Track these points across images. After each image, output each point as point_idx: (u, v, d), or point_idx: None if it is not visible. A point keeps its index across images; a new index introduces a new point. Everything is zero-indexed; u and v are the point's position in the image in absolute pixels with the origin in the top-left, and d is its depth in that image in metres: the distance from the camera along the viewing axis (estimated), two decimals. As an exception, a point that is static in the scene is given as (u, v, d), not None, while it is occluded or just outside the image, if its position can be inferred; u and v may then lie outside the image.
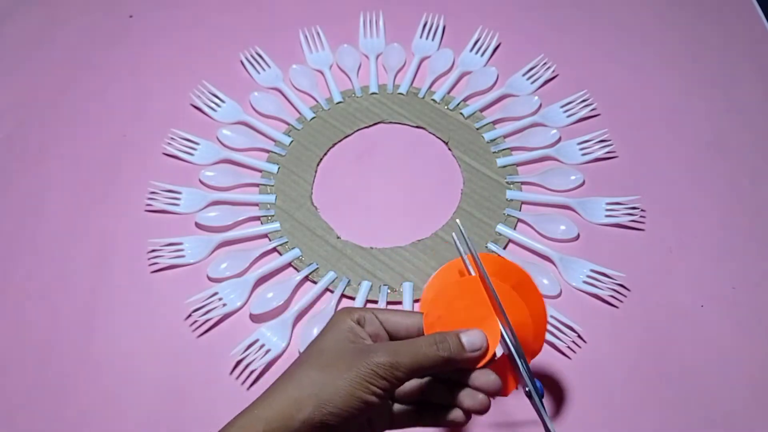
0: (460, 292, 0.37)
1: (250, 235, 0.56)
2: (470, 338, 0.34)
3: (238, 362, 0.49)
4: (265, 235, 0.56)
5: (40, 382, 0.50)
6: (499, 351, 0.36)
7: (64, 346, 0.51)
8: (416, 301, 0.52)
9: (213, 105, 0.64)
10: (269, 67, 0.67)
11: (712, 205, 0.57)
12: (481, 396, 0.34)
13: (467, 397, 0.35)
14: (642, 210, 0.56)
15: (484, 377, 0.35)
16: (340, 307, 0.52)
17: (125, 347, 0.51)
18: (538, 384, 0.35)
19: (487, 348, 0.35)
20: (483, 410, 0.34)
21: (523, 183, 0.59)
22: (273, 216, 0.57)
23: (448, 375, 0.35)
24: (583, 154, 0.60)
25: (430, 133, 0.62)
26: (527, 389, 0.35)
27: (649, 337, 0.50)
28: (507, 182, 0.59)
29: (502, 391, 0.35)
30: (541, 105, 0.63)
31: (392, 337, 0.36)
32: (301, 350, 0.49)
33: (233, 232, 0.56)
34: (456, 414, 0.35)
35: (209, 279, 0.54)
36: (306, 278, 0.54)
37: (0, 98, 0.67)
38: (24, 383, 0.50)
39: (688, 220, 0.56)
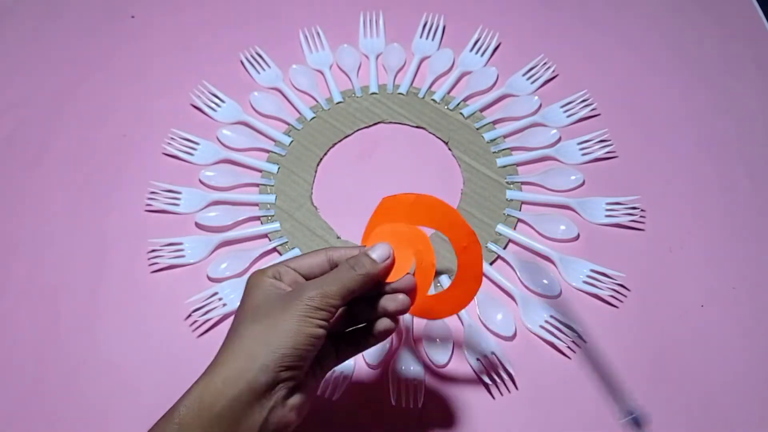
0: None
1: (250, 235, 0.56)
2: (378, 252, 0.38)
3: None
4: (265, 235, 0.56)
5: (40, 382, 0.50)
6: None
7: (64, 346, 0.51)
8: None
9: (213, 105, 0.64)
10: (269, 67, 0.67)
11: (712, 205, 0.57)
12: (400, 296, 0.38)
13: (388, 302, 0.38)
14: (642, 210, 0.56)
15: (395, 283, 0.39)
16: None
17: (125, 347, 0.51)
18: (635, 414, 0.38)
19: (394, 258, 0.39)
20: (404, 309, 0.38)
21: (523, 183, 0.59)
22: (273, 216, 0.57)
23: (368, 294, 0.38)
24: (583, 154, 0.60)
25: (430, 133, 0.62)
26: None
27: (649, 337, 0.50)
28: (507, 182, 0.59)
29: (412, 294, 0.39)
30: (541, 105, 0.63)
31: (307, 278, 0.38)
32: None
33: (233, 232, 0.56)
34: (384, 323, 0.38)
35: (209, 279, 0.54)
36: (306, 278, 0.54)
37: (0, 98, 0.67)
38: (24, 383, 0.50)
39: (688, 220, 0.56)
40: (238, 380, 0.33)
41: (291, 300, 0.35)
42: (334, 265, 0.39)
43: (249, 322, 0.35)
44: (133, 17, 0.73)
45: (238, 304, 0.37)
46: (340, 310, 0.37)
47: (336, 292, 0.35)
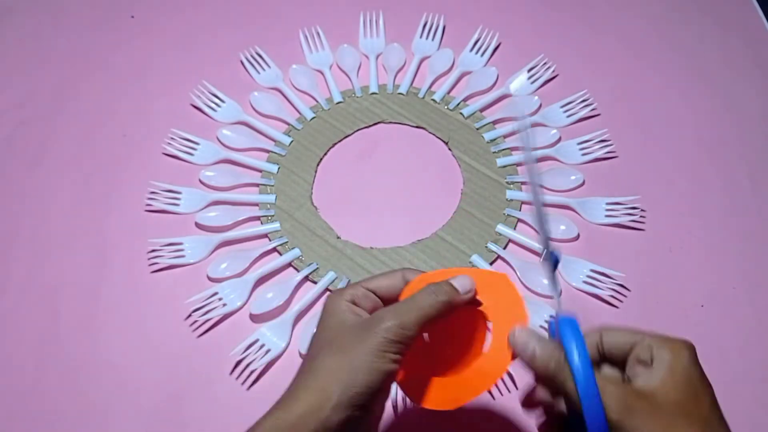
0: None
1: (250, 235, 0.56)
2: (461, 282, 0.36)
3: (238, 362, 0.49)
4: (265, 235, 0.56)
5: (40, 382, 0.50)
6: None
7: (64, 346, 0.51)
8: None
9: (213, 105, 0.64)
10: (269, 67, 0.67)
11: (712, 205, 0.57)
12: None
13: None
14: (642, 210, 0.56)
15: None
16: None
17: (125, 347, 0.51)
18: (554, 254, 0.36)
19: (476, 291, 0.36)
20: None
21: (523, 183, 0.59)
22: (273, 216, 0.57)
23: None
24: (583, 154, 0.60)
25: (430, 133, 0.62)
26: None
27: (649, 337, 0.50)
28: (507, 182, 0.59)
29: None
30: (541, 105, 0.63)
31: (386, 301, 0.37)
32: (302, 350, 0.49)
33: (233, 232, 0.56)
34: None
35: (209, 279, 0.54)
36: (306, 278, 0.54)
37: (0, 98, 0.67)
38: (24, 383, 0.50)
39: (688, 220, 0.56)
40: (311, 418, 0.31)
41: (367, 331, 0.33)
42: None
43: (324, 355, 0.33)
44: (132, 17, 0.73)
45: (315, 329, 0.36)
46: None
47: (413, 321, 0.33)
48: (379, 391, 0.33)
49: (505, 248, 0.55)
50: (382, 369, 0.32)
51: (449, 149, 0.61)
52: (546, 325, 0.50)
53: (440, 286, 0.35)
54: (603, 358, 0.35)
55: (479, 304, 0.37)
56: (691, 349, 0.33)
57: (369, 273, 0.54)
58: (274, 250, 0.55)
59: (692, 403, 0.31)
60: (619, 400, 0.30)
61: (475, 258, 0.54)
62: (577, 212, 0.57)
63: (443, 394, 0.35)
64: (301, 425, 0.31)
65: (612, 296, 0.52)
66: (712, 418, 0.31)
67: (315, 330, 0.36)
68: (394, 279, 0.37)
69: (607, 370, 0.35)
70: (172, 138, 0.62)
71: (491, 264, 0.54)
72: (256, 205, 0.58)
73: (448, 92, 0.65)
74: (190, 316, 0.52)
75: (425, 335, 0.38)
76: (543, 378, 0.34)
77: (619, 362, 0.34)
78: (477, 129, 0.62)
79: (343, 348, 0.33)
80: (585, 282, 0.52)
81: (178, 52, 0.70)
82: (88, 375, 0.50)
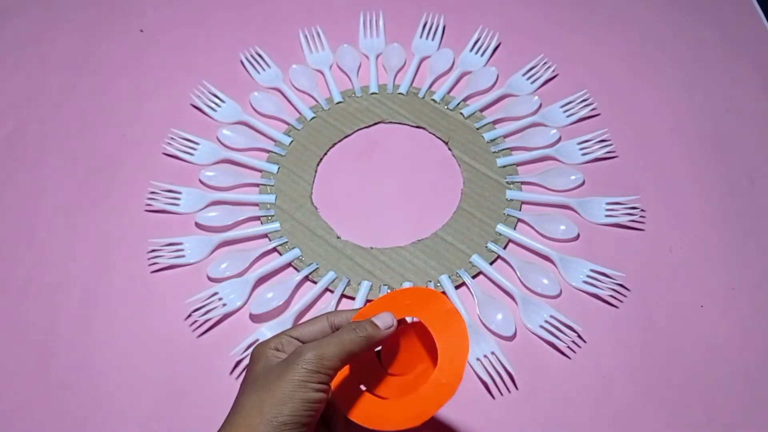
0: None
1: (250, 235, 0.56)
2: (382, 319, 0.37)
3: (238, 362, 0.49)
4: (265, 235, 0.56)
5: (39, 382, 0.50)
6: None
7: (64, 346, 0.51)
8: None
9: (213, 105, 0.64)
10: (269, 67, 0.67)
11: (712, 205, 0.57)
12: None
13: None
14: (642, 210, 0.56)
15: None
16: (340, 306, 0.52)
17: (125, 347, 0.51)
18: None
19: (396, 326, 0.37)
20: None
21: (523, 183, 0.59)
22: (273, 216, 0.57)
23: None
24: (583, 154, 0.60)
25: (430, 133, 0.62)
26: None
27: (649, 337, 0.50)
28: (507, 182, 0.59)
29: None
30: (541, 105, 0.63)
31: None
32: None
33: (233, 232, 0.56)
34: None
35: (209, 279, 0.54)
36: (306, 278, 0.54)
37: (0, 98, 0.67)
38: (24, 383, 0.50)
39: (688, 220, 0.56)
40: None
41: (288, 365, 0.34)
42: (334, 327, 0.38)
43: (248, 392, 0.34)
44: (142, 31, 0.73)
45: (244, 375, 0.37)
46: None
47: (334, 353, 0.34)
48: (308, 424, 0.33)
49: (505, 248, 0.55)
50: (305, 398, 0.33)
51: (449, 149, 0.61)
52: (546, 325, 0.50)
53: (361, 324, 0.36)
54: None
55: (420, 324, 0.38)
56: None
57: (369, 273, 0.54)
58: (274, 250, 0.55)
59: None
60: None
61: (475, 258, 0.54)
62: (577, 212, 0.57)
63: (406, 413, 0.35)
64: None
65: (612, 296, 0.52)
66: None
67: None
68: (318, 324, 0.38)
69: None
70: (172, 138, 0.62)
71: (491, 264, 0.54)
72: (256, 205, 0.58)
73: (448, 92, 0.65)
74: (190, 316, 0.52)
75: (381, 361, 0.40)
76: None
77: None
78: (477, 129, 0.62)
79: (267, 384, 0.34)
80: (585, 282, 0.52)
81: (178, 52, 0.70)
82: (88, 375, 0.50)
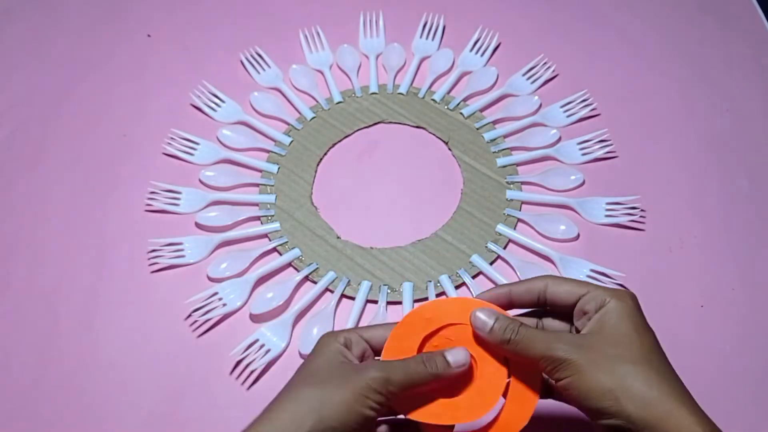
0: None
1: (250, 235, 0.56)
2: (455, 356, 0.36)
3: (238, 362, 0.49)
4: (265, 235, 0.56)
5: (39, 382, 0.50)
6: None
7: (64, 346, 0.51)
8: (416, 301, 0.52)
9: (213, 105, 0.64)
10: (269, 67, 0.67)
11: (712, 205, 0.57)
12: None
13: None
14: (642, 210, 0.56)
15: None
16: (340, 307, 0.52)
17: (125, 347, 0.51)
18: None
19: (470, 363, 0.36)
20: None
21: (523, 183, 0.59)
22: (273, 216, 0.57)
23: None
24: (583, 154, 0.60)
25: (430, 133, 0.62)
26: None
27: (649, 337, 0.50)
28: (507, 182, 0.59)
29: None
30: (541, 105, 0.63)
31: (377, 351, 0.38)
32: (302, 350, 0.49)
33: (233, 232, 0.56)
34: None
35: (209, 279, 0.54)
36: (306, 278, 0.54)
37: (0, 98, 0.67)
38: (24, 383, 0.50)
39: (688, 220, 0.56)
40: None
41: (353, 374, 0.34)
42: None
43: (305, 384, 0.34)
44: (149, 36, 0.73)
45: (301, 363, 0.37)
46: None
47: (399, 381, 0.34)
48: None
49: (505, 248, 0.55)
50: (360, 411, 0.33)
51: (449, 149, 0.61)
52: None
53: (433, 358, 0.36)
54: (545, 309, 0.38)
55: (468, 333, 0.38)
56: (634, 298, 0.36)
57: (369, 273, 0.54)
58: (274, 250, 0.55)
59: (635, 343, 0.34)
60: (568, 340, 0.34)
61: (475, 258, 0.54)
62: (577, 212, 0.57)
63: (440, 412, 0.36)
64: None
65: (612, 296, 0.52)
66: (653, 357, 0.34)
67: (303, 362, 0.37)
68: (387, 329, 0.38)
69: (552, 323, 0.38)
70: (172, 138, 0.62)
71: (491, 264, 0.54)
72: (256, 205, 0.58)
73: (448, 92, 0.65)
74: (190, 316, 0.52)
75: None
76: (505, 348, 0.36)
77: (564, 314, 0.37)
78: (477, 129, 0.62)
79: (326, 382, 0.34)
80: (585, 282, 0.52)
81: (179, 52, 0.70)
82: (88, 375, 0.50)
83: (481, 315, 0.36)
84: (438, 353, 0.36)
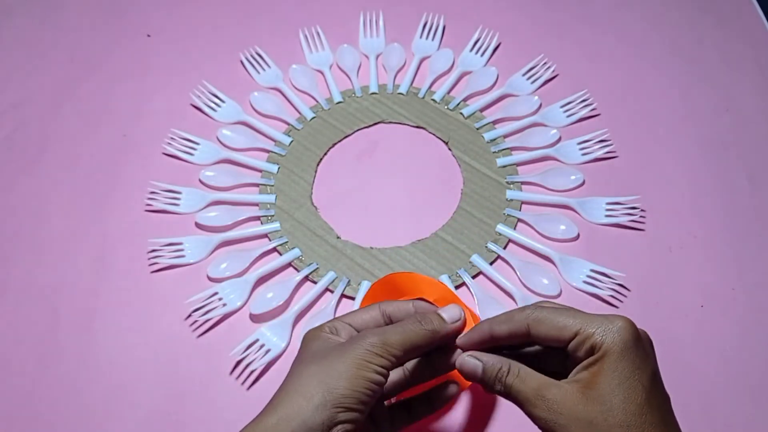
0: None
1: (250, 235, 0.56)
2: (449, 312, 0.36)
3: (238, 362, 0.49)
4: (265, 235, 0.56)
5: (39, 382, 0.50)
6: None
7: (64, 346, 0.51)
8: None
9: (213, 105, 0.64)
10: (269, 67, 0.67)
11: (712, 205, 0.57)
12: (473, 359, 0.35)
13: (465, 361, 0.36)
14: (642, 210, 0.56)
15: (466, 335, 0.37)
16: (340, 307, 0.52)
17: (125, 347, 0.51)
18: None
19: (465, 319, 0.36)
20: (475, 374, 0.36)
21: (523, 183, 0.59)
22: (273, 216, 0.57)
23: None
24: (583, 154, 0.60)
25: (430, 133, 0.62)
26: None
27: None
28: (507, 182, 0.59)
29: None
30: (541, 105, 0.63)
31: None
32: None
33: (233, 232, 0.56)
34: (451, 389, 0.38)
35: (209, 279, 0.54)
36: (306, 278, 0.54)
37: (0, 98, 0.67)
38: (24, 383, 0.50)
39: (688, 220, 0.56)
40: (293, 419, 0.31)
41: (350, 345, 0.34)
42: (388, 319, 0.38)
43: (306, 363, 0.34)
44: (149, 36, 0.73)
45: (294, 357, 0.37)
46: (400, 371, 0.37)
47: (398, 342, 0.34)
48: (364, 402, 0.33)
49: (504, 248, 0.55)
50: (366, 376, 0.33)
51: (449, 149, 0.61)
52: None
53: (427, 316, 0.36)
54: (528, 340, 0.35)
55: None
56: (628, 330, 0.32)
57: (369, 273, 0.54)
58: (274, 250, 0.55)
59: (623, 406, 0.31)
60: (552, 403, 0.31)
61: (475, 258, 0.54)
62: (577, 212, 0.57)
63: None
64: (282, 426, 0.31)
65: (612, 296, 0.52)
66: (638, 420, 0.31)
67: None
68: (371, 312, 0.38)
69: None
70: (172, 138, 0.62)
71: (491, 264, 0.54)
72: (256, 205, 0.58)
73: (448, 92, 0.65)
74: (190, 316, 0.52)
75: None
76: (494, 391, 0.34)
77: (556, 348, 0.34)
78: (477, 129, 0.62)
79: (327, 357, 0.34)
80: (585, 282, 0.52)
81: (178, 52, 0.70)
82: (88, 375, 0.50)
83: (470, 361, 0.35)
84: (431, 311, 0.36)
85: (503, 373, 0.33)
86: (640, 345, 0.32)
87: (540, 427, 0.32)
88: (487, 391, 0.35)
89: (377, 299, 0.42)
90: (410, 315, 0.37)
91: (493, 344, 0.35)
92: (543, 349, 0.35)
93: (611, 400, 0.30)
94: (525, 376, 0.33)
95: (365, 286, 0.53)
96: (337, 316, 0.39)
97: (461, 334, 0.37)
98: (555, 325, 0.33)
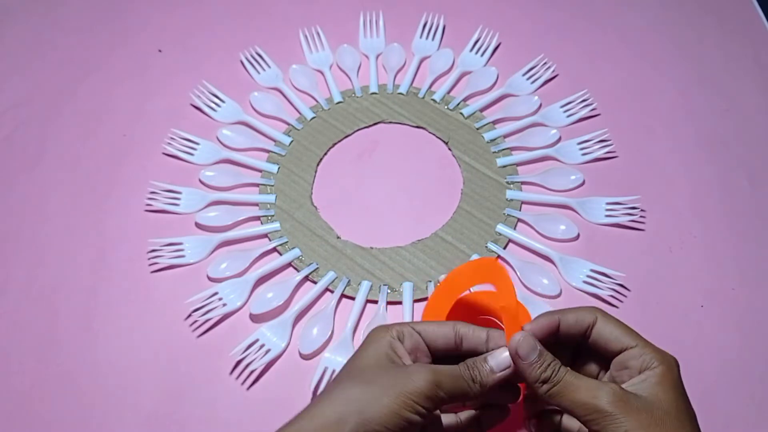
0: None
1: (250, 235, 0.56)
2: (497, 361, 0.36)
3: (238, 362, 0.49)
4: (265, 235, 0.56)
5: (39, 382, 0.50)
6: None
7: (63, 346, 0.51)
8: (416, 301, 0.52)
9: (213, 105, 0.64)
10: (269, 67, 0.67)
11: (712, 205, 0.57)
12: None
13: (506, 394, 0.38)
14: (642, 210, 0.56)
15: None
16: (340, 307, 0.52)
17: (125, 347, 0.51)
18: None
19: (512, 367, 0.36)
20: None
21: (523, 183, 0.59)
22: (273, 216, 0.57)
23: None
24: (583, 154, 0.60)
25: (430, 133, 0.62)
26: None
27: (648, 337, 0.50)
28: (507, 182, 0.59)
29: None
30: (541, 105, 0.63)
31: (430, 347, 0.37)
32: (302, 350, 0.49)
33: (233, 232, 0.56)
34: (497, 415, 0.39)
35: (209, 279, 0.54)
36: (306, 278, 0.54)
37: (0, 98, 0.67)
38: (24, 383, 0.50)
39: (688, 220, 0.56)
40: None
41: (402, 377, 0.33)
42: (459, 341, 0.37)
43: (350, 383, 0.34)
44: (160, 51, 0.73)
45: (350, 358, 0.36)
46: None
47: (450, 388, 0.34)
48: None
49: (504, 248, 0.55)
50: (405, 416, 0.32)
51: (449, 149, 0.61)
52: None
53: (478, 367, 0.35)
54: (584, 341, 0.37)
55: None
56: (678, 366, 0.35)
57: (369, 273, 0.54)
58: (274, 250, 0.55)
59: (680, 417, 0.33)
60: (615, 393, 0.33)
61: (475, 258, 0.54)
62: (577, 212, 0.57)
63: None
64: None
65: (612, 296, 0.52)
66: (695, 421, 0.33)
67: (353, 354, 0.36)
68: (445, 329, 0.37)
69: (587, 363, 0.38)
70: (172, 138, 0.62)
71: (491, 264, 0.54)
72: (256, 205, 0.58)
73: (448, 92, 0.65)
74: (190, 316, 0.52)
75: None
76: (537, 387, 0.35)
77: (599, 356, 0.36)
78: (477, 129, 0.62)
79: (373, 382, 0.33)
80: (585, 282, 0.52)
81: (178, 52, 0.70)
82: (88, 375, 0.50)
83: (524, 344, 0.35)
84: (480, 360, 0.36)
85: (555, 366, 0.34)
86: (682, 382, 0.35)
87: (596, 425, 0.32)
88: (530, 388, 0.35)
89: (447, 299, 0.42)
90: (482, 344, 0.37)
91: (556, 336, 0.36)
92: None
93: (676, 413, 0.33)
94: (576, 377, 0.34)
95: (365, 286, 0.53)
96: (407, 321, 0.41)
97: (535, 317, 0.37)
98: (618, 328, 0.36)
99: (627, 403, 0.32)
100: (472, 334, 0.37)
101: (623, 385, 0.34)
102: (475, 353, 0.37)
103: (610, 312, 0.51)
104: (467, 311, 0.44)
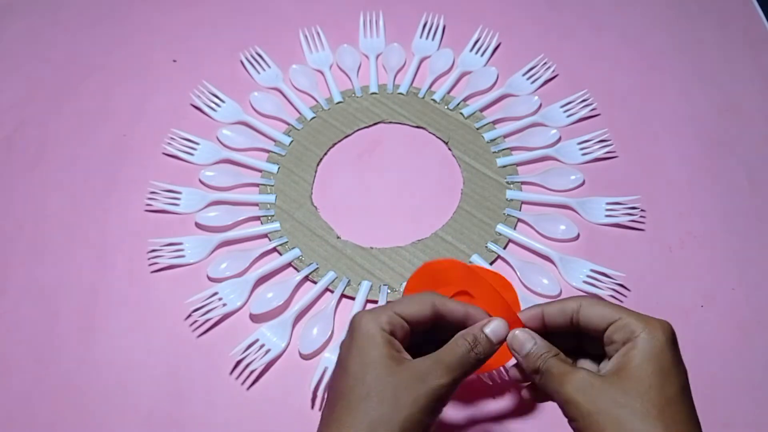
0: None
1: (250, 235, 0.56)
2: (495, 331, 0.35)
3: (238, 362, 0.49)
4: (265, 235, 0.56)
5: (39, 382, 0.50)
6: None
7: (64, 346, 0.51)
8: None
9: (213, 105, 0.64)
10: (269, 67, 0.67)
11: (712, 205, 0.57)
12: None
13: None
14: (642, 210, 0.56)
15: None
16: (340, 307, 0.52)
17: (125, 347, 0.51)
18: None
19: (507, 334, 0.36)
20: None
21: (523, 183, 0.59)
22: (273, 216, 0.57)
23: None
24: (583, 154, 0.60)
25: (430, 133, 0.62)
26: None
27: (649, 337, 0.50)
28: (507, 182, 0.59)
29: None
30: (541, 105, 0.63)
31: (413, 327, 0.36)
32: (302, 351, 0.49)
33: (233, 232, 0.56)
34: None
35: (209, 279, 0.54)
36: (306, 278, 0.54)
37: (0, 98, 0.67)
38: (23, 383, 0.50)
39: (688, 220, 0.56)
40: None
41: (415, 386, 0.32)
42: (437, 314, 0.36)
43: (362, 412, 0.32)
44: (175, 61, 0.73)
45: (342, 343, 0.35)
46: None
47: (460, 378, 0.34)
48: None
49: (504, 248, 0.55)
50: (426, 422, 0.32)
51: (449, 149, 0.61)
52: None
53: (479, 341, 0.35)
54: (576, 329, 0.36)
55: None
56: (668, 330, 0.33)
57: (369, 273, 0.54)
58: (274, 250, 0.55)
59: (654, 391, 0.31)
60: (580, 380, 0.32)
61: (475, 258, 0.54)
62: (577, 212, 0.57)
63: None
64: None
65: (612, 296, 0.52)
66: (672, 410, 0.30)
67: (344, 349, 0.35)
68: (423, 305, 0.36)
69: (590, 350, 0.37)
70: (172, 138, 0.62)
71: (491, 264, 0.54)
72: (256, 205, 0.58)
73: (448, 92, 0.65)
74: (190, 316, 0.52)
75: None
76: (534, 378, 0.35)
77: (594, 336, 0.35)
78: (477, 129, 0.62)
79: (385, 400, 0.32)
80: (585, 282, 0.52)
81: (178, 52, 0.70)
82: (88, 375, 0.50)
83: (520, 335, 0.35)
84: (480, 333, 0.35)
85: (546, 356, 0.34)
86: (677, 349, 0.32)
87: (569, 414, 0.32)
88: (527, 376, 0.36)
89: (421, 286, 0.42)
90: (461, 317, 0.36)
91: (542, 328, 0.36)
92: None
93: (648, 382, 0.31)
94: (557, 365, 0.34)
95: (365, 286, 0.53)
96: (384, 304, 0.40)
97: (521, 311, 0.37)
98: (603, 307, 0.34)
99: (592, 388, 0.31)
100: (450, 312, 0.36)
101: (609, 362, 0.33)
102: (451, 326, 0.36)
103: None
104: (438, 281, 0.43)
